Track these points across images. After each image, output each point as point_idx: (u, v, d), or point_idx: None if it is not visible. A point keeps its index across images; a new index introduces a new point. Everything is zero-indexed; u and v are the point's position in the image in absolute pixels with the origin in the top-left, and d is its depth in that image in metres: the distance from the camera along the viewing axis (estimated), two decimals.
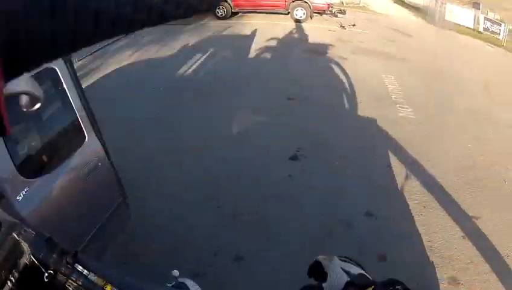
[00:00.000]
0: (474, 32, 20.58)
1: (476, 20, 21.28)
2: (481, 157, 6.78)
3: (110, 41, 16.00)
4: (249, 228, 4.75)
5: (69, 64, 3.91)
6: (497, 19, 21.75)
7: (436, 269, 4.54)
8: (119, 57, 13.96)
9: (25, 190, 3.40)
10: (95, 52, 14.90)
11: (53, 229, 3.24)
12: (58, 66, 3.77)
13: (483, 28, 20.66)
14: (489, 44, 18.66)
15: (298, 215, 4.99)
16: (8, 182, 3.37)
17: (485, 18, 21.09)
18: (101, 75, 11.67)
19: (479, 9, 22.46)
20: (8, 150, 3.37)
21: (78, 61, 13.20)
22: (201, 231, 4.66)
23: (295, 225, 4.83)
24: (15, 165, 3.39)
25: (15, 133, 3.75)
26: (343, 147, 6.59)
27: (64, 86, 3.83)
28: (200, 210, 4.95)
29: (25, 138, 3.88)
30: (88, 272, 1.77)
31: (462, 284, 4.41)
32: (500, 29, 19.78)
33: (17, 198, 3.34)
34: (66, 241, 3.01)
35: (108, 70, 12.40)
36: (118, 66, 12.82)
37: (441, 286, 4.40)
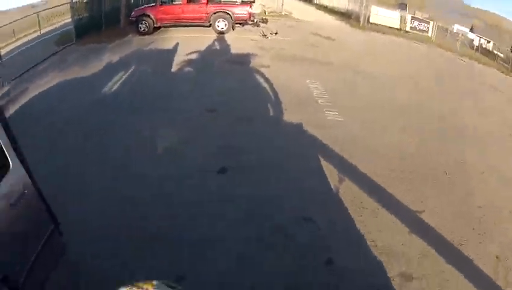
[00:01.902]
0: (401, 32, 21.13)
1: (403, 20, 22.01)
2: (409, 149, 7.08)
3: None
4: None
5: None
6: (425, 18, 22.51)
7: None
8: (40, 80, 13.65)
9: None
10: (21, 75, 14.41)
11: None
12: None
13: (410, 27, 21.50)
14: (416, 42, 19.37)
15: None
16: None
17: (412, 17, 21.94)
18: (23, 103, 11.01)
19: (406, 10, 23.20)
20: None
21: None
22: None
23: None
24: None
25: None
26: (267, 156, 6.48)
27: None
28: None
29: None
30: None
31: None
32: (428, 27, 20.85)
33: None
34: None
35: (29, 97, 11.75)
36: (36, 92, 12.26)
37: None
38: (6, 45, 17.29)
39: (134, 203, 5.18)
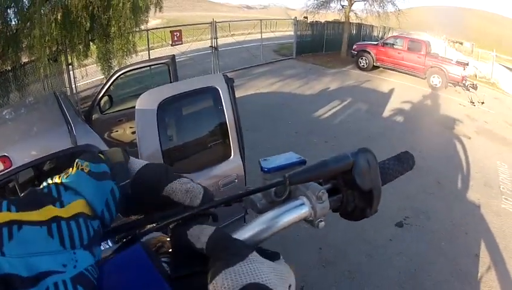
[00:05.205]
0: None
1: None
2: None
3: (253, 64, 18.26)
4: None
5: (231, 89, 4.44)
6: None
7: None
8: (261, 82, 15.53)
9: None
10: (238, 70, 17.16)
11: None
12: (220, 86, 4.39)
13: None
14: None
15: None
16: None
17: None
18: (240, 96, 12.13)
19: None
20: (161, 146, 4.08)
21: None
22: None
23: None
24: (164, 159, 4.08)
25: (171, 135, 4.51)
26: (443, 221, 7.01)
27: (224, 105, 4.39)
28: None
29: (179, 140, 4.61)
30: None
31: None
32: None
33: None
34: None
35: (248, 93, 14.26)
36: (257, 91, 14.69)
37: None
38: (222, 36, 18.95)
39: None
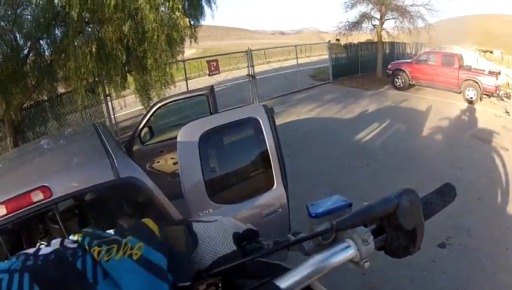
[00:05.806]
0: None
1: None
2: None
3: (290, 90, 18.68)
4: None
5: (271, 118, 4.41)
6: None
7: None
8: (300, 108, 15.93)
9: (208, 210, 4.01)
10: (276, 97, 17.53)
11: None
12: (260, 117, 4.36)
13: None
14: None
15: None
16: (197, 200, 4.01)
17: None
18: (280, 123, 12.43)
19: None
20: (203, 177, 4.07)
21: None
22: None
23: None
24: (207, 190, 4.07)
25: (214, 167, 4.44)
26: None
27: (265, 135, 4.34)
28: None
29: (221, 171, 4.56)
30: None
31: None
32: None
33: (199, 214, 3.95)
34: None
35: (288, 120, 14.69)
36: (297, 118, 15.16)
37: None
38: (258, 64, 19.46)
39: None
